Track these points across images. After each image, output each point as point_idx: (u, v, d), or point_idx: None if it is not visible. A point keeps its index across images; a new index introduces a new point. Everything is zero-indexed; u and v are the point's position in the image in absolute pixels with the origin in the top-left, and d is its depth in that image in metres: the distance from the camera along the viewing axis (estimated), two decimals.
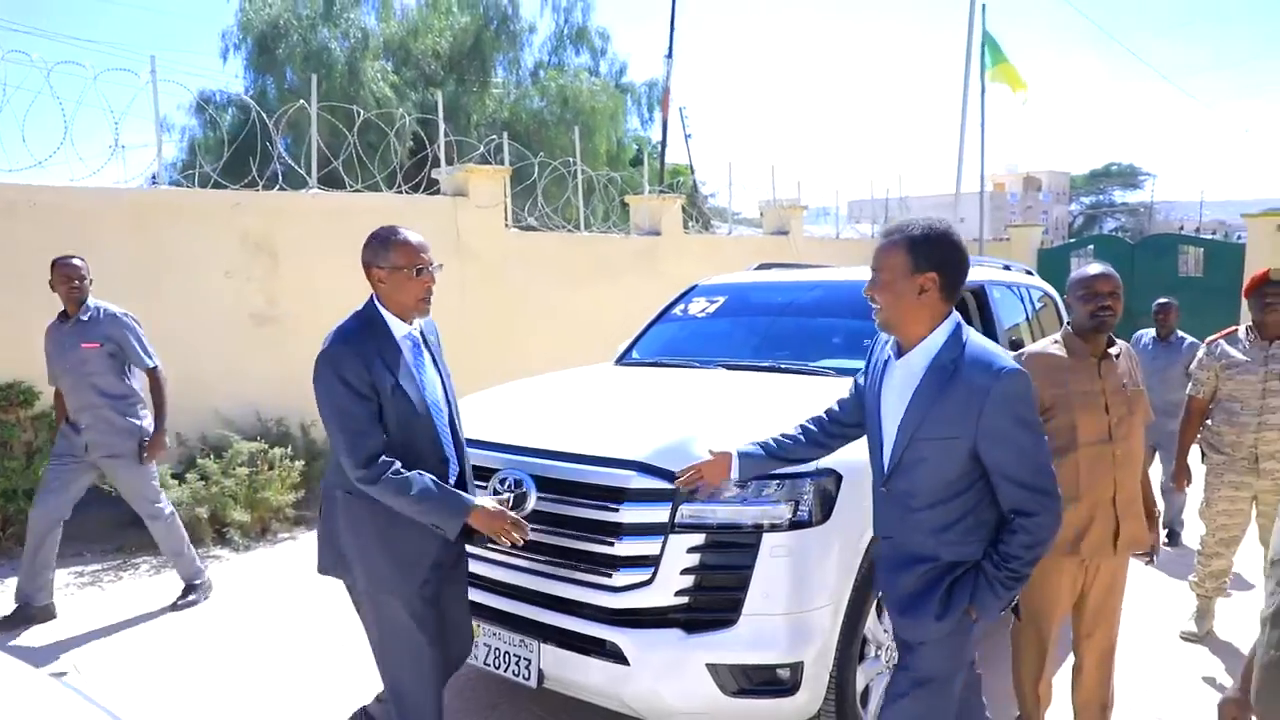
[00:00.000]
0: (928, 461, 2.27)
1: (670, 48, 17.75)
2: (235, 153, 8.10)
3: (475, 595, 3.17)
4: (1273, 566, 1.65)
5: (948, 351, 2.26)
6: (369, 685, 4.00)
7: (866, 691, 3.20)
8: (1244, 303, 4.36)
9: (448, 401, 2.88)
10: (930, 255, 2.26)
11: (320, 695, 3.94)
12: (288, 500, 6.36)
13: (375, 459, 2.57)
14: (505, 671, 3.08)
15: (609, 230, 10.76)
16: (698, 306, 4.86)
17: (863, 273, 5.12)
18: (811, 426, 2.72)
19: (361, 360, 2.60)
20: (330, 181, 8.19)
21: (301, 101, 8.09)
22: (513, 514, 2.76)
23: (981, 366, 2.21)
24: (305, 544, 6.26)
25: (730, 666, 2.77)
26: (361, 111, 8.67)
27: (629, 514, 2.86)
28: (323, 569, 2.86)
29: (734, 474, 2.65)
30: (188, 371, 6.78)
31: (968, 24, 14.46)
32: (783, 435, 2.72)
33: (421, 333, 2.86)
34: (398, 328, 2.75)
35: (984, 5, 14.29)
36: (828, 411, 2.72)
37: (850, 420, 2.67)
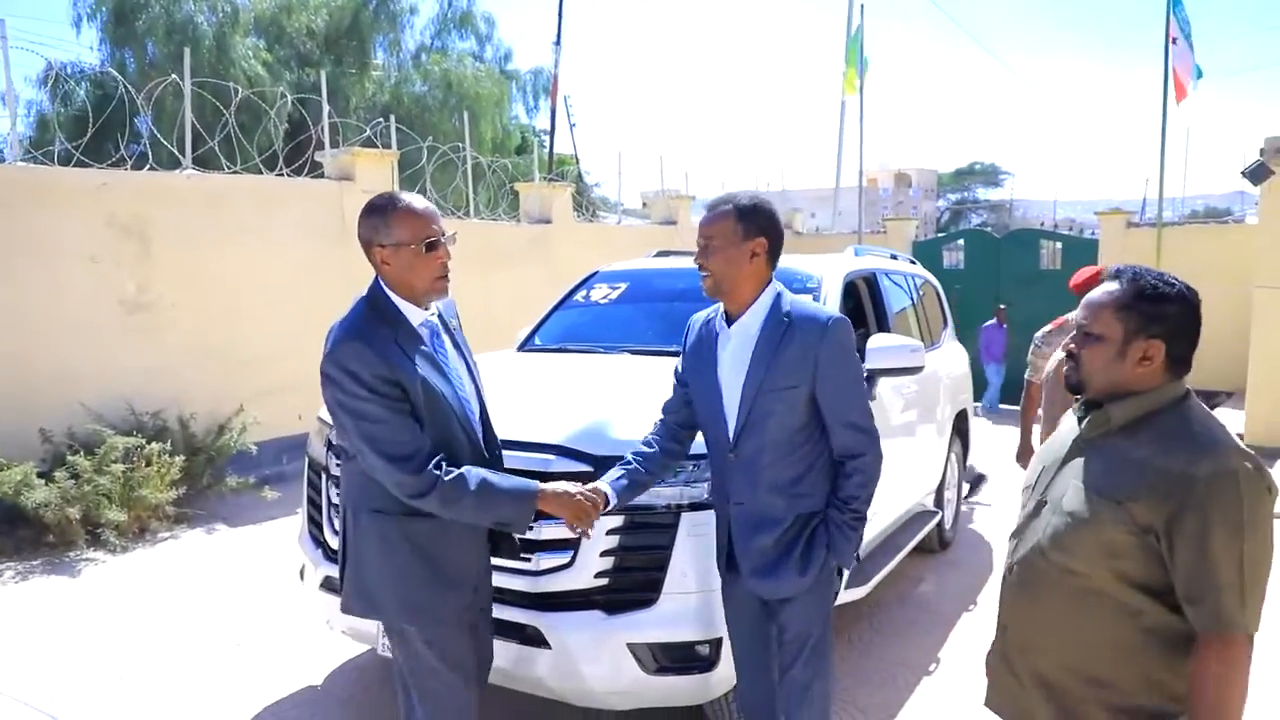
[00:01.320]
0: (775, 414, 2.42)
1: (558, 35, 17.62)
2: (92, 131, 7.59)
3: None
4: (1022, 492, 1.96)
5: (778, 310, 2.46)
6: (260, 692, 3.86)
7: None
8: None
9: (478, 394, 2.50)
10: (758, 222, 2.44)
11: (208, 702, 3.78)
12: (167, 498, 6.04)
13: (422, 466, 2.16)
14: None
15: (498, 218, 10.64)
16: (600, 293, 4.87)
17: None
18: (658, 436, 2.68)
19: (376, 352, 2.15)
20: (202, 163, 7.78)
21: (173, 76, 7.65)
22: (585, 491, 2.40)
23: (811, 318, 2.44)
24: (188, 543, 5.97)
25: (651, 645, 2.82)
26: (239, 89, 8.26)
27: None
28: (346, 609, 2.37)
29: (613, 501, 2.52)
30: (51, 363, 6.35)
31: (846, 23, 14.97)
32: (639, 455, 2.63)
33: (440, 317, 2.43)
34: (412, 314, 2.29)
35: (863, 5, 14.81)
36: (663, 420, 2.71)
37: (687, 421, 2.67)
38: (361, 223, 2.29)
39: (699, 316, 2.71)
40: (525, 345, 4.77)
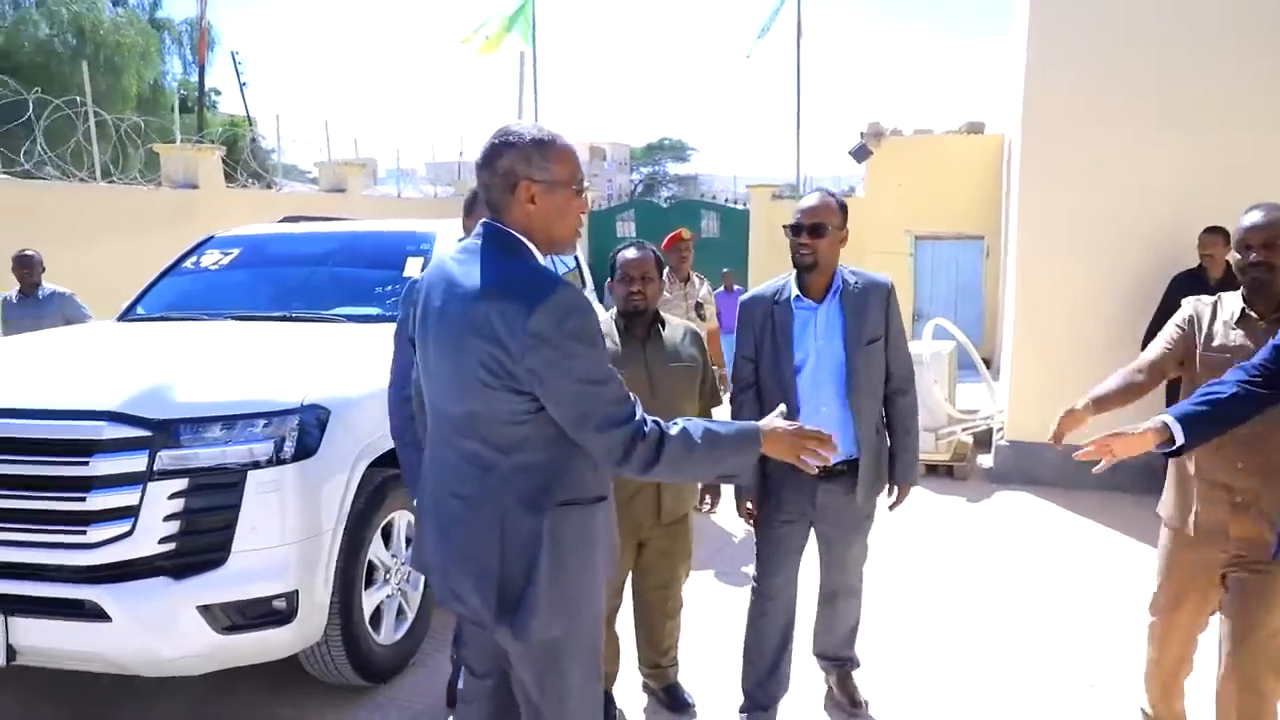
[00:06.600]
0: None
1: None
2: None
3: None
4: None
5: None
6: None
7: (378, 614, 3.42)
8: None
9: None
10: None
11: None
12: None
13: (644, 425, 1.86)
14: None
15: (134, 181, 9.66)
16: (211, 259, 4.66)
17: (386, 225, 5.29)
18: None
19: (585, 300, 1.86)
20: None
21: None
22: (807, 428, 2.05)
23: None
24: None
25: (224, 605, 2.81)
26: None
27: (101, 466, 2.74)
28: (526, 633, 1.88)
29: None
30: None
31: None
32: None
33: None
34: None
35: None
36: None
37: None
38: (506, 151, 1.89)
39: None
40: (126, 315, 4.47)
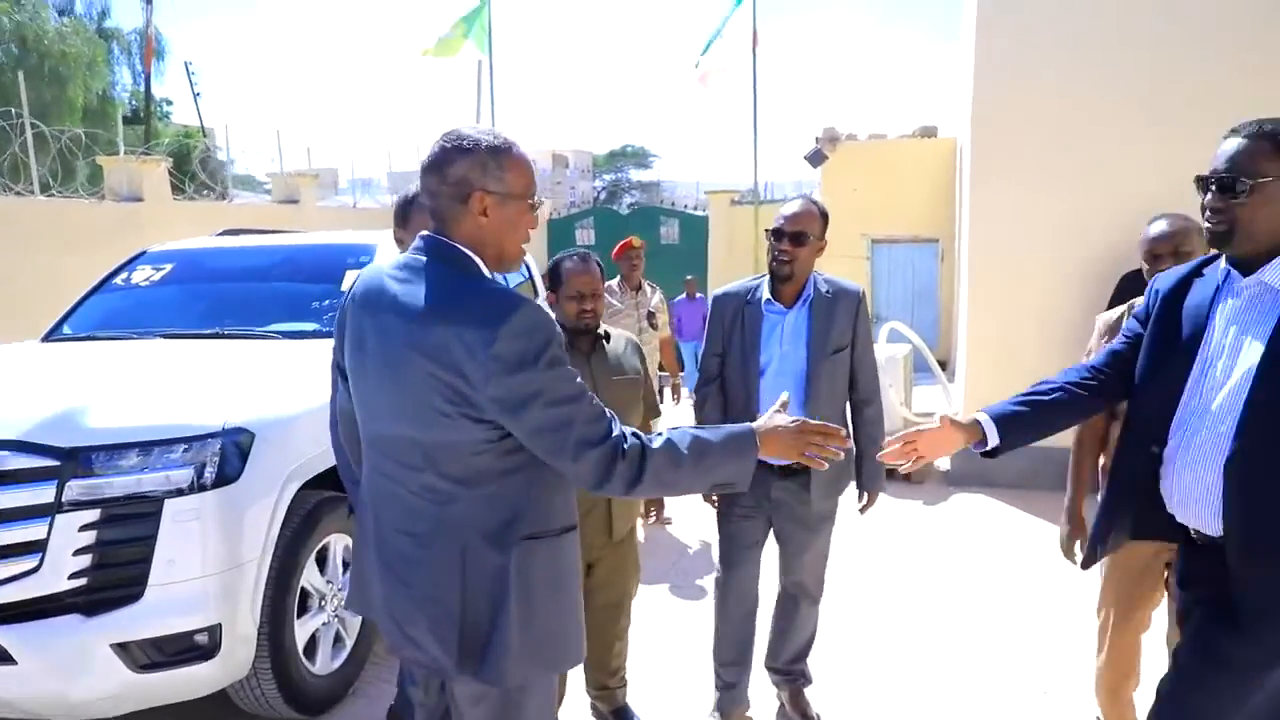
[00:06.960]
0: None
1: None
2: None
3: None
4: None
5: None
6: None
7: (313, 642, 3.29)
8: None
9: None
10: None
11: None
12: None
13: (622, 440, 1.71)
14: None
15: (74, 194, 9.39)
16: (142, 275, 4.49)
17: (325, 237, 5.15)
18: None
19: (546, 315, 1.74)
20: None
21: None
22: (810, 422, 1.89)
23: None
24: None
25: (140, 642, 2.67)
26: None
27: (3, 499, 2.60)
28: (497, 678, 1.75)
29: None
30: None
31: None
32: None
33: None
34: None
35: None
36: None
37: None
38: (458, 158, 1.73)
39: None
40: (52, 335, 4.29)
